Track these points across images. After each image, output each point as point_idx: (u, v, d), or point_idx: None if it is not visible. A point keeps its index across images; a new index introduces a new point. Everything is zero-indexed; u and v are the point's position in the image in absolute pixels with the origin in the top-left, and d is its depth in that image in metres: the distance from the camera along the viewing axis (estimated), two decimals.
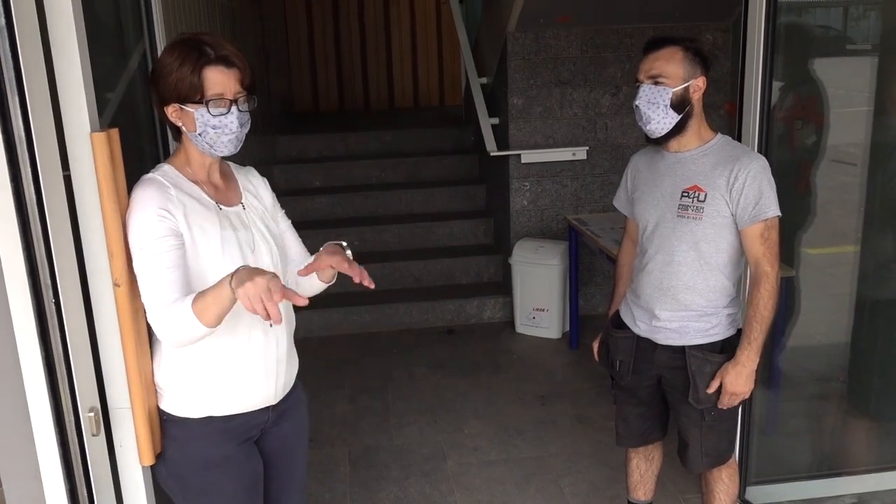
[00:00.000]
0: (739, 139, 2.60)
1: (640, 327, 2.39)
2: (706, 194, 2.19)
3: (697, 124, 2.24)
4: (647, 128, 2.22)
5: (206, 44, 1.67)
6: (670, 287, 2.29)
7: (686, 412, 2.36)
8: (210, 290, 1.55)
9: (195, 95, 1.65)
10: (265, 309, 1.44)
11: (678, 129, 2.21)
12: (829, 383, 3.45)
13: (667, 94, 2.16)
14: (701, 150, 2.25)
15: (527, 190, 4.95)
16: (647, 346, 2.39)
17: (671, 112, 2.18)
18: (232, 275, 1.51)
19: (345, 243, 1.83)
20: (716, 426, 2.35)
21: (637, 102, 2.20)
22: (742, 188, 2.15)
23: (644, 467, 2.68)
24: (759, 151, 2.54)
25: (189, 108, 1.67)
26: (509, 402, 3.98)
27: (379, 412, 3.91)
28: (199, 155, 1.75)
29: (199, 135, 1.68)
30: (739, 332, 2.33)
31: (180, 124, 1.70)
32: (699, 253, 2.24)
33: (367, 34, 8.49)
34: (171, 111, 1.70)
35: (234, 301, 1.51)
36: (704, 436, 2.36)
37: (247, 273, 1.48)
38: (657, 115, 2.18)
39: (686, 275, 2.26)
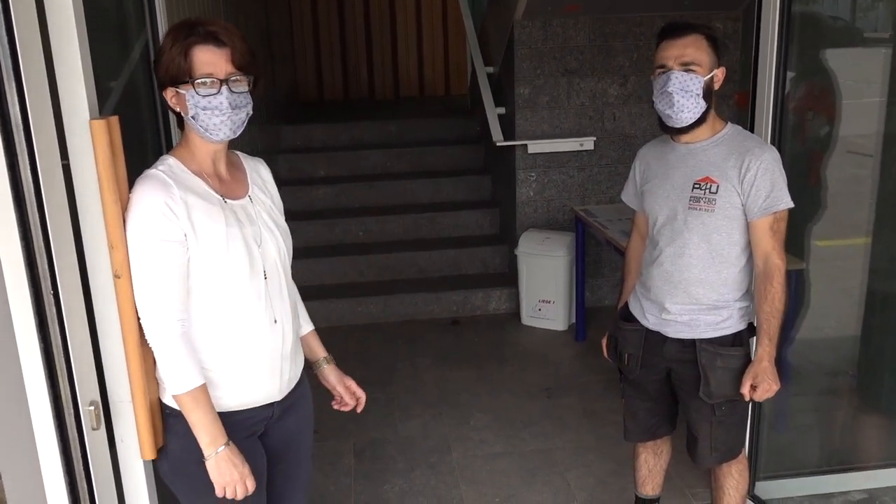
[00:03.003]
0: (752, 130, 2.55)
1: (650, 320, 2.35)
2: (718, 186, 2.15)
3: (712, 115, 2.20)
4: (679, 116, 2.13)
5: (198, 23, 1.63)
6: (681, 280, 2.25)
7: (696, 406, 2.32)
8: (208, 418, 1.65)
9: (185, 76, 1.61)
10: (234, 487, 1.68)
11: (702, 120, 2.16)
12: (839, 378, 3.42)
13: (699, 82, 2.10)
14: (712, 140, 2.20)
15: (533, 180, 4.91)
16: (656, 339, 2.35)
17: (701, 101, 2.12)
18: (227, 444, 1.66)
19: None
20: (726, 421, 2.31)
21: (670, 89, 2.10)
22: (754, 179, 2.11)
23: (652, 462, 2.65)
24: (773, 142, 2.50)
25: (182, 91, 1.63)
26: (515, 394, 3.96)
27: (383, 404, 3.88)
28: (202, 143, 1.69)
29: (193, 117, 1.64)
30: (750, 325, 2.29)
31: (178, 109, 1.66)
32: (711, 245, 2.20)
33: (371, 23, 8.44)
34: (170, 96, 1.66)
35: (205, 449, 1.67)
36: (714, 430, 2.32)
37: (238, 460, 1.67)
38: (689, 104, 2.11)
39: (697, 268, 2.22)
